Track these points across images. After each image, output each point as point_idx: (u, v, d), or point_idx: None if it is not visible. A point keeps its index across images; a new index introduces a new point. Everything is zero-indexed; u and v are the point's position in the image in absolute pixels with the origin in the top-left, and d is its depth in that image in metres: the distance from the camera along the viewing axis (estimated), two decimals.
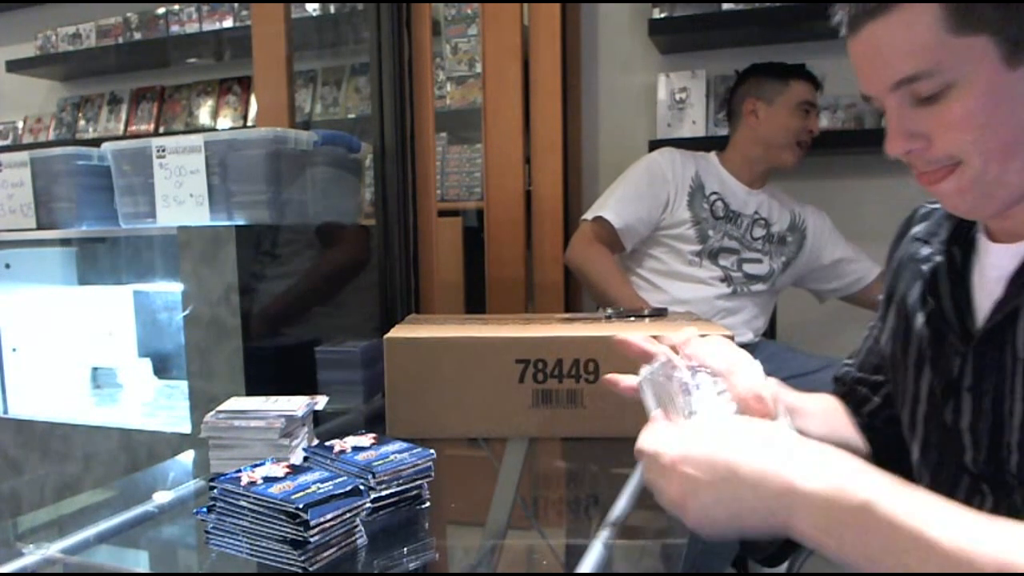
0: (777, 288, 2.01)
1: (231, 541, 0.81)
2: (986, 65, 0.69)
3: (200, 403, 1.47)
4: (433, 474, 0.93)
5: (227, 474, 0.83)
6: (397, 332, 1.30)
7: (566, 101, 2.21)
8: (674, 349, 0.86)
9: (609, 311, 1.53)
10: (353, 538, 0.81)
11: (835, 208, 2.10)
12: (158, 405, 1.82)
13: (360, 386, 1.53)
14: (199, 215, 1.52)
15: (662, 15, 2.30)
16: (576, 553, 0.80)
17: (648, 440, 0.69)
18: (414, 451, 0.93)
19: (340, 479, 0.83)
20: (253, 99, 3.10)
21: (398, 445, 0.94)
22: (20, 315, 1.84)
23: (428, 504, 0.93)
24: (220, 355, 1.47)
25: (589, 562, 0.78)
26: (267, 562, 0.78)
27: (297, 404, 1.09)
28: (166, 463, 1.37)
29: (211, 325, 1.47)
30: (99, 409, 1.84)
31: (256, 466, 0.85)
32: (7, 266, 1.81)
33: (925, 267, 0.87)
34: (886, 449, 0.98)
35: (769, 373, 2.06)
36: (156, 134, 3.26)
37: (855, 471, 0.58)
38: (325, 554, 0.78)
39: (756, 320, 1.95)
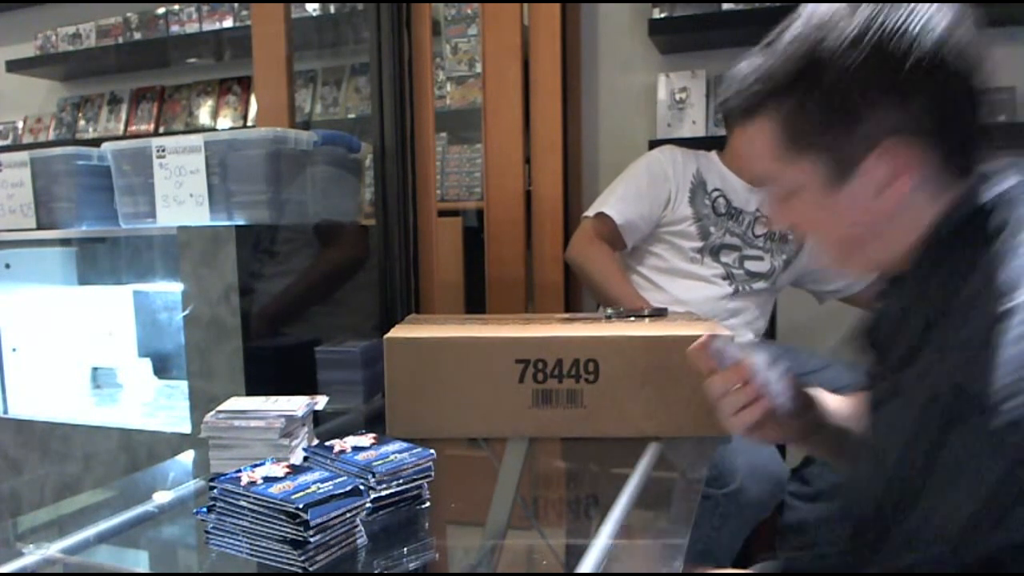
0: (778, 287, 2.00)
1: (231, 541, 0.81)
2: (815, 182, 0.79)
3: (200, 403, 1.47)
4: (433, 474, 0.93)
5: (227, 474, 0.83)
6: (397, 332, 1.30)
7: (566, 101, 2.21)
8: None
9: (609, 311, 1.53)
10: (353, 538, 0.81)
11: None
12: (158, 405, 1.82)
13: (360, 386, 1.53)
14: (199, 215, 1.52)
15: (662, 15, 2.30)
16: (576, 553, 0.80)
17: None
18: (414, 451, 0.93)
19: (340, 479, 0.83)
20: (253, 99, 3.10)
21: (398, 445, 0.94)
22: (20, 315, 1.84)
23: (428, 504, 0.93)
24: (220, 355, 1.47)
25: (589, 562, 0.78)
26: (267, 562, 0.78)
27: (297, 404, 1.09)
28: (166, 463, 1.38)
29: (211, 325, 1.47)
30: (99, 409, 1.84)
31: (256, 466, 0.85)
32: (7, 266, 1.81)
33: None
34: None
35: None
36: (156, 134, 3.26)
37: None
38: (325, 554, 0.78)
39: (757, 322, 1.95)
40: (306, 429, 1.11)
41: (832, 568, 0.82)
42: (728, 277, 1.89)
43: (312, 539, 0.76)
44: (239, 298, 1.45)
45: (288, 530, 0.76)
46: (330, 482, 0.82)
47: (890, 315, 0.84)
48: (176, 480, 1.21)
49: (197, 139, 1.51)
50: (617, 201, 1.87)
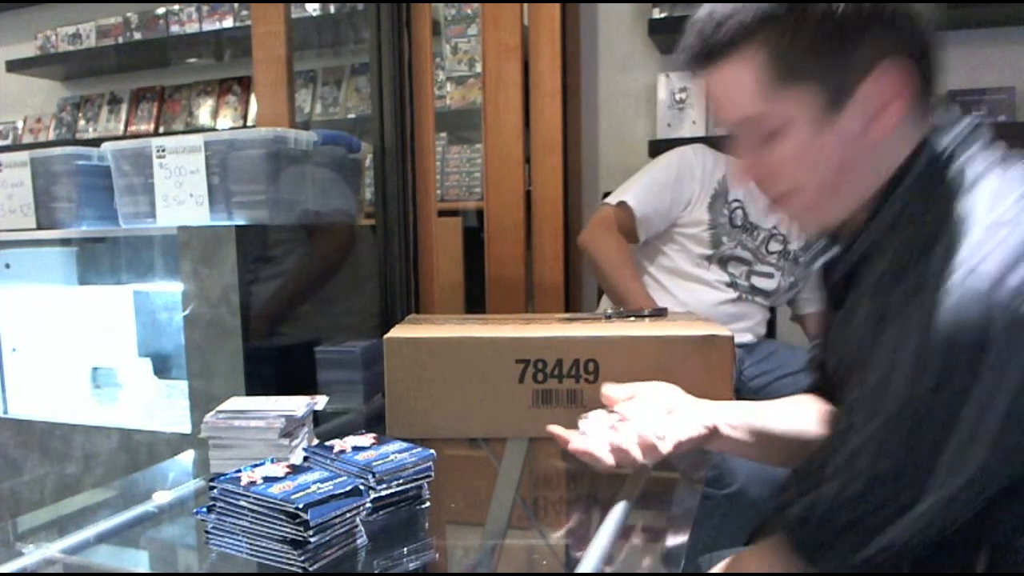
0: (777, 304, 2.01)
1: (231, 541, 0.81)
2: (810, 112, 0.76)
3: (200, 403, 1.47)
4: (433, 474, 0.93)
5: (227, 474, 0.83)
6: (397, 332, 1.30)
7: (566, 101, 2.21)
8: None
9: (609, 311, 1.53)
10: (353, 538, 0.81)
11: None
12: (158, 405, 1.82)
13: (360, 386, 1.53)
14: (199, 215, 1.52)
15: (662, 15, 2.30)
16: (576, 553, 0.80)
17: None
18: (414, 451, 0.93)
19: (340, 479, 0.83)
20: (253, 99, 3.10)
21: (398, 445, 0.94)
22: (20, 315, 1.84)
23: (428, 504, 0.93)
24: (220, 355, 1.47)
25: (589, 562, 0.78)
26: (267, 562, 0.78)
27: (297, 404, 1.09)
28: (166, 463, 1.38)
29: (211, 325, 1.47)
30: (99, 409, 1.84)
31: (256, 466, 0.85)
32: (7, 266, 1.81)
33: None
34: None
35: (768, 371, 2.04)
36: (156, 134, 3.26)
37: None
38: (325, 554, 0.78)
39: (758, 327, 1.95)
40: (306, 429, 1.11)
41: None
42: (732, 286, 1.88)
43: (312, 539, 0.76)
44: (239, 298, 1.45)
45: (288, 530, 0.76)
46: (330, 482, 0.82)
47: (846, 260, 0.85)
48: (176, 480, 1.21)
49: (197, 139, 1.51)
50: (640, 191, 1.84)
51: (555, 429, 0.93)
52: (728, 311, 1.87)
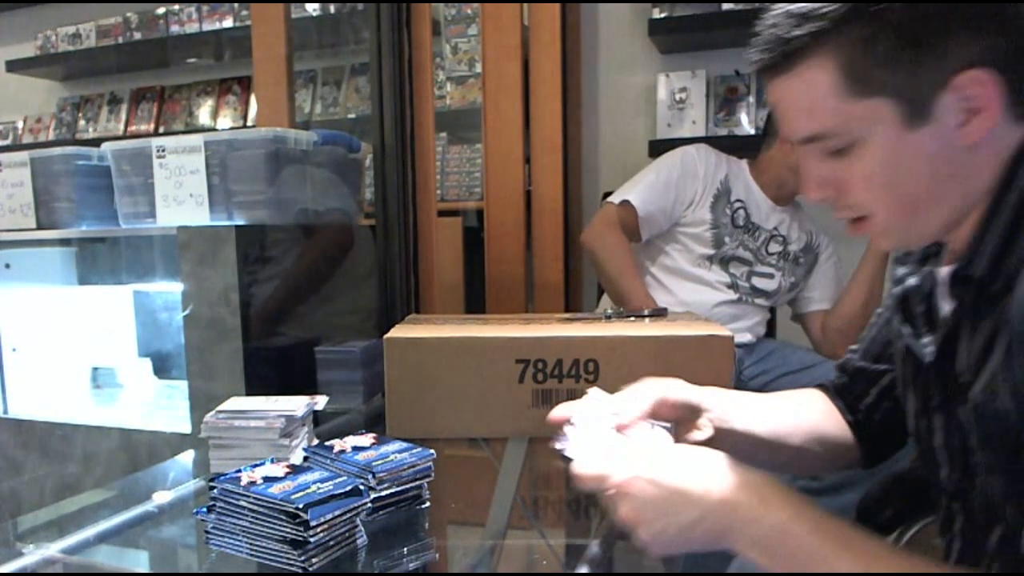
0: (777, 305, 2.01)
1: (231, 541, 0.81)
2: (886, 126, 0.70)
3: (200, 403, 1.47)
4: (433, 474, 0.93)
5: (227, 474, 0.83)
6: (397, 332, 1.30)
7: (566, 101, 2.21)
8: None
9: (609, 311, 1.53)
10: (353, 538, 0.81)
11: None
12: (158, 405, 1.82)
13: (360, 386, 1.53)
14: (199, 215, 1.52)
15: (662, 15, 2.30)
16: (576, 553, 0.80)
17: (588, 466, 0.73)
18: (414, 451, 0.93)
19: (340, 479, 0.83)
20: (253, 99, 3.10)
21: (398, 445, 0.94)
22: (20, 315, 1.84)
23: (428, 504, 0.93)
24: (220, 355, 1.47)
25: (589, 562, 0.78)
26: (267, 562, 0.78)
27: (297, 404, 1.09)
28: (166, 463, 1.37)
29: (211, 325, 1.47)
30: (99, 409, 1.84)
31: (256, 466, 0.85)
32: (7, 266, 1.81)
33: (897, 289, 0.87)
34: (878, 446, 0.97)
35: (768, 370, 2.04)
36: (156, 134, 3.27)
37: (781, 491, 0.67)
38: (325, 554, 0.78)
39: (758, 327, 1.95)
40: (306, 429, 1.11)
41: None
42: (733, 287, 1.88)
43: (312, 539, 0.76)
44: (239, 298, 1.45)
45: (288, 530, 0.76)
46: (330, 482, 0.82)
47: (924, 286, 0.79)
48: (176, 480, 1.21)
49: (197, 139, 1.51)
50: (644, 190, 1.84)
51: (556, 413, 0.85)
52: (728, 311, 1.87)
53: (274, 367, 1.54)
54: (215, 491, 0.82)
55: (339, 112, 2.97)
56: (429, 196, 1.99)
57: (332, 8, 2.75)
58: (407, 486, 0.90)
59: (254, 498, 0.79)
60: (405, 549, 0.86)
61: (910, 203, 0.73)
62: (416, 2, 1.93)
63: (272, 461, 0.88)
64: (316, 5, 2.75)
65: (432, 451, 0.93)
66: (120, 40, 3.22)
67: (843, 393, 1.00)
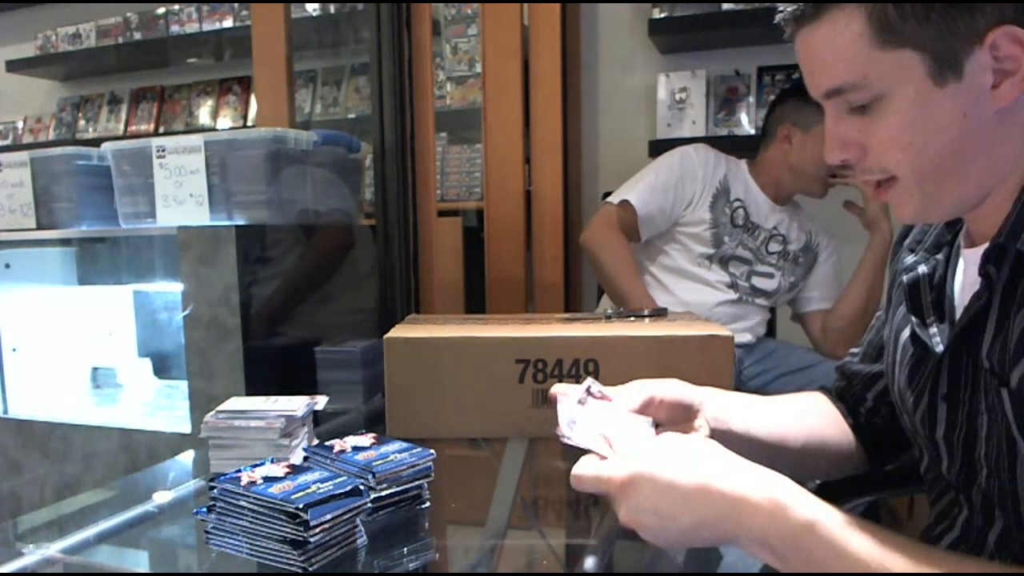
0: (777, 304, 2.01)
1: (231, 541, 0.81)
2: (913, 80, 0.68)
3: (200, 403, 1.47)
4: (433, 474, 0.93)
5: (227, 474, 0.83)
6: (397, 332, 1.30)
7: (566, 101, 2.21)
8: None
9: (609, 311, 1.53)
10: (353, 538, 0.81)
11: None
12: (158, 405, 1.82)
13: (360, 386, 1.53)
14: (199, 215, 1.52)
15: (662, 15, 2.30)
16: (576, 553, 0.80)
17: (587, 467, 0.70)
18: (414, 451, 0.93)
19: (340, 479, 0.83)
20: (253, 99, 3.10)
21: (398, 445, 0.94)
22: (20, 315, 1.84)
23: (428, 504, 0.93)
24: (220, 355, 1.47)
25: (589, 562, 0.78)
26: (267, 562, 0.78)
27: (297, 404, 1.09)
28: (166, 463, 1.37)
29: (211, 325, 1.47)
30: (99, 409, 1.84)
31: (256, 466, 0.85)
32: (7, 266, 1.81)
33: (907, 277, 0.85)
34: (880, 449, 0.97)
35: (768, 370, 2.04)
36: (156, 134, 3.27)
37: (797, 492, 0.63)
38: (325, 554, 0.78)
39: (758, 327, 1.95)
40: (306, 429, 1.11)
41: None
42: (733, 287, 1.88)
43: (312, 539, 0.76)
44: (239, 298, 1.45)
45: (288, 530, 0.76)
46: (330, 482, 0.82)
47: (935, 274, 0.77)
48: (176, 480, 1.21)
49: (197, 139, 1.51)
50: (643, 190, 1.84)
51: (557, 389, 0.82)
52: (728, 311, 1.87)
53: (274, 367, 1.54)
54: (215, 491, 0.82)
55: (339, 112, 2.97)
56: (429, 196, 1.99)
57: (332, 8, 2.75)
58: (407, 486, 0.90)
59: (254, 498, 0.78)
60: (405, 549, 0.86)
61: (933, 166, 0.70)
62: (416, 2, 1.93)
63: (272, 461, 0.88)
64: (316, 5, 2.75)
65: (432, 451, 0.93)
66: (120, 40, 3.22)
67: (844, 396, 1.00)
